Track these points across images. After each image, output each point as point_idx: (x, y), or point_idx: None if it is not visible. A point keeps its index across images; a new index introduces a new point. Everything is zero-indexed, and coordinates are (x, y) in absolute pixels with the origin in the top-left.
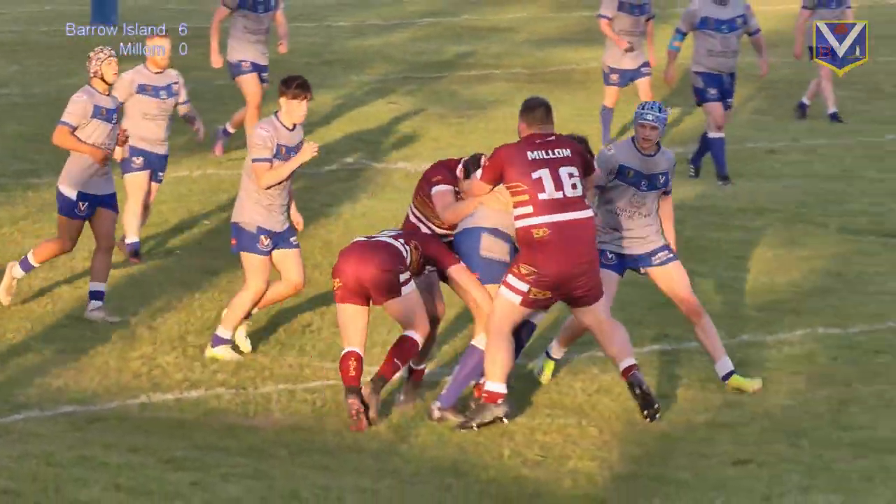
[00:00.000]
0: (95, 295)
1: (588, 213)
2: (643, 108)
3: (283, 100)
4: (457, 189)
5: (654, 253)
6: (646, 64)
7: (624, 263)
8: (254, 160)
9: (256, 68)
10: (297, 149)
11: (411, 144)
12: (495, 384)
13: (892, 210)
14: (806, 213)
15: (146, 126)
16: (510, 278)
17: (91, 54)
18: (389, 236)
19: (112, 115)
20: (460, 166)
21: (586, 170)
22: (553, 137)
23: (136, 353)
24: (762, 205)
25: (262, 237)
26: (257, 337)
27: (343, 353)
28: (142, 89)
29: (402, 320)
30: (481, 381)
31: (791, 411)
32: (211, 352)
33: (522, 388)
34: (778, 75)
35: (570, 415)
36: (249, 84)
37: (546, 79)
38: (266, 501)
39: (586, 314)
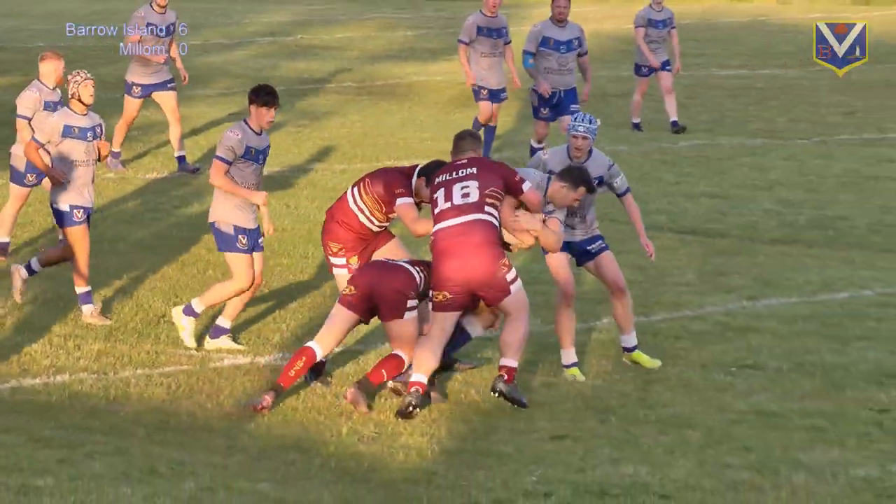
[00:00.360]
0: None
1: (479, 216)
2: (575, 121)
3: (252, 107)
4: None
5: (592, 241)
6: (503, 89)
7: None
8: (216, 157)
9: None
10: (264, 151)
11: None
12: (420, 376)
13: (687, 210)
14: (612, 214)
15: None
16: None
17: (69, 76)
18: (407, 262)
19: (85, 133)
20: (416, 175)
21: (507, 184)
22: (464, 160)
23: (8, 342)
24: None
25: (241, 236)
26: (117, 326)
27: (304, 345)
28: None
29: (396, 339)
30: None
31: (601, 391)
32: (212, 343)
33: (354, 372)
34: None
35: (400, 396)
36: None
37: (373, 91)
38: (126, 475)
39: (502, 310)
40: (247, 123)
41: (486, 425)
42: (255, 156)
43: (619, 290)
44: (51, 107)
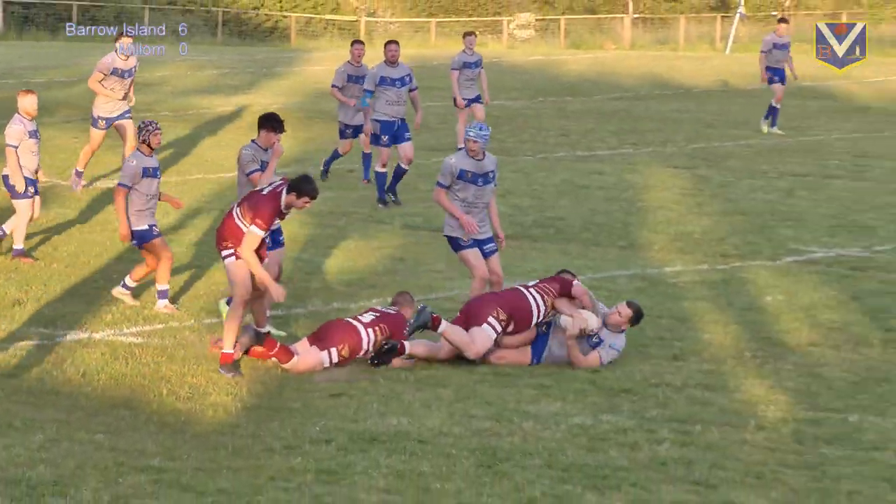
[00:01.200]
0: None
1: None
2: (470, 129)
3: (262, 130)
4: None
5: (488, 241)
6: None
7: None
8: (249, 173)
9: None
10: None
11: (90, 168)
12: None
13: (439, 212)
14: (377, 215)
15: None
16: None
17: (140, 124)
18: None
19: (156, 171)
20: (286, 192)
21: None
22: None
23: None
24: (346, 209)
25: None
26: None
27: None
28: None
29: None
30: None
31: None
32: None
33: (173, 344)
34: None
35: (210, 363)
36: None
37: (186, 119)
38: None
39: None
40: (256, 143)
41: (278, 385)
42: (263, 166)
43: (499, 283)
44: (34, 135)
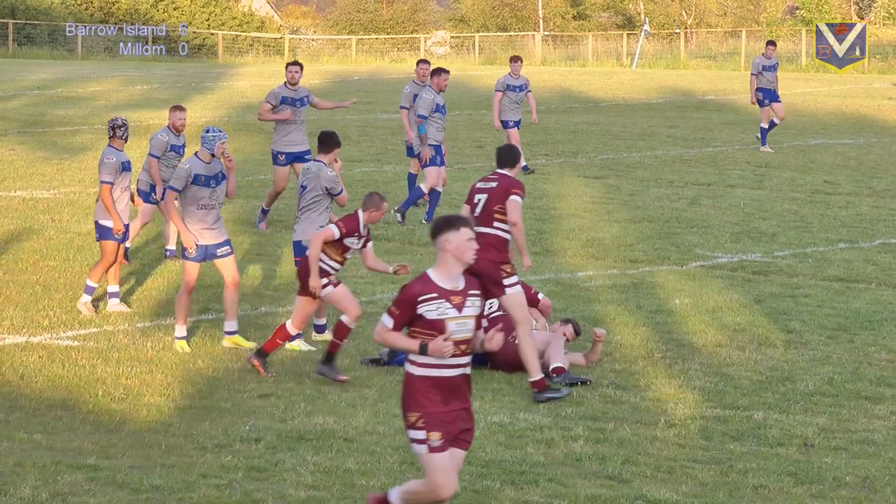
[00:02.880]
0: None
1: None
2: (207, 132)
3: (336, 149)
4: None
5: (221, 245)
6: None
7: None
8: (339, 193)
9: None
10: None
11: (26, 178)
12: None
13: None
14: None
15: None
16: None
17: (112, 122)
18: None
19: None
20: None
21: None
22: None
23: None
24: (272, 217)
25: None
26: None
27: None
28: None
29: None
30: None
31: (296, 359)
32: (292, 345)
33: (108, 347)
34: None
35: (143, 365)
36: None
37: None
38: None
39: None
40: (323, 163)
41: (209, 386)
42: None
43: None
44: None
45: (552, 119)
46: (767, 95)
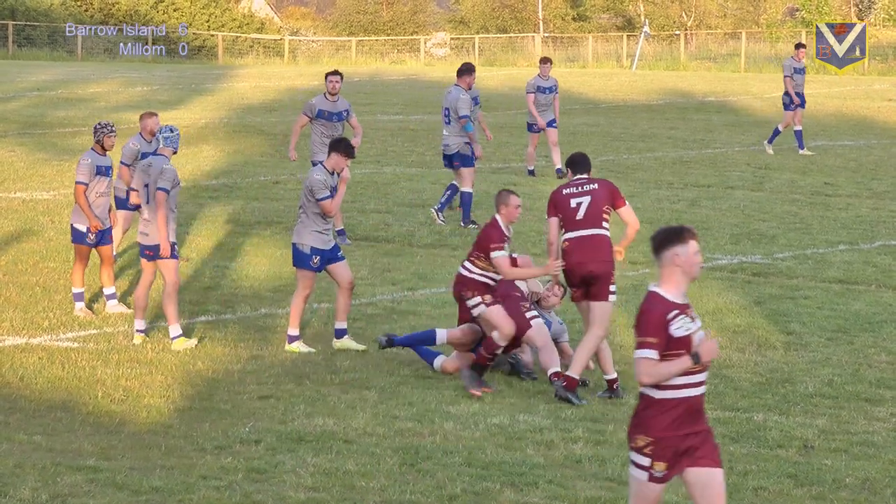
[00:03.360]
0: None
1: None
2: (172, 132)
3: (334, 153)
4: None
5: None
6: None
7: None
8: (320, 199)
9: None
10: (336, 187)
11: (26, 180)
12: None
13: (360, 221)
14: None
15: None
16: None
17: (96, 126)
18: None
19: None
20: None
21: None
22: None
23: None
24: (273, 219)
25: (315, 257)
26: None
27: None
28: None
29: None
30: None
31: (296, 361)
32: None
33: (108, 349)
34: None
35: (143, 367)
36: None
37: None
38: None
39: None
40: (325, 167)
41: (209, 388)
42: (333, 192)
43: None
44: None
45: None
46: (798, 97)
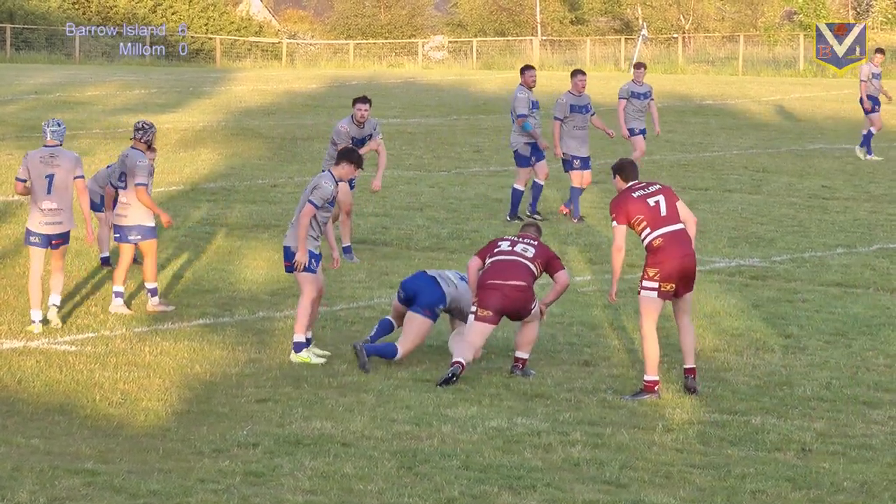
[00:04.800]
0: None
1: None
2: (47, 126)
3: (344, 163)
4: None
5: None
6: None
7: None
8: (310, 201)
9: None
10: (333, 201)
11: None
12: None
13: (359, 225)
14: None
15: None
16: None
17: (139, 125)
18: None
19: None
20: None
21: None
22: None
23: None
24: (270, 222)
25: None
26: None
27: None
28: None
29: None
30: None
31: (294, 365)
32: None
33: (105, 352)
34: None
35: (141, 370)
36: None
37: (116, 136)
38: None
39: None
40: (331, 172)
41: (207, 391)
42: (332, 202)
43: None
44: None
45: (550, 124)
46: (875, 103)
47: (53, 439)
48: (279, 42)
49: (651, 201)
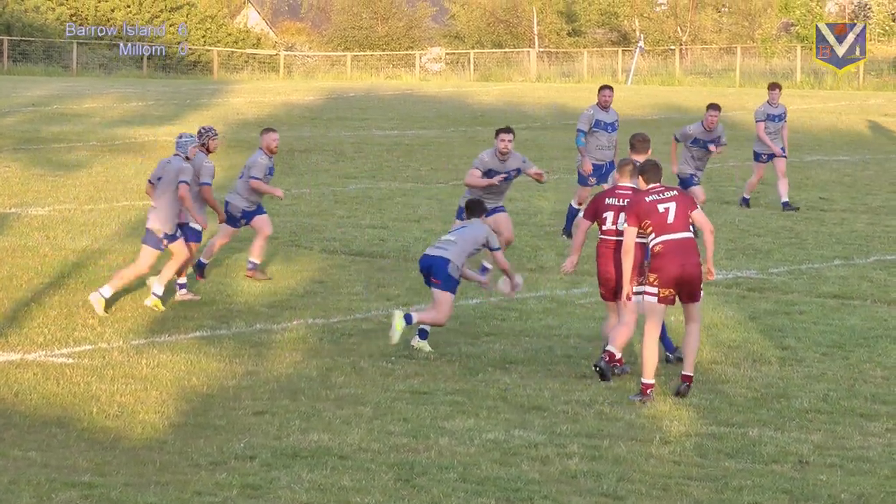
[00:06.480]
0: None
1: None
2: (181, 138)
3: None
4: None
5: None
6: None
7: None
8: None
9: None
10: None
11: (21, 195)
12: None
13: (356, 237)
14: (297, 240)
15: None
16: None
17: (201, 130)
18: None
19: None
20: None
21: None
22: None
23: None
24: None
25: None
26: None
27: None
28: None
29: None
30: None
31: (291, 377)
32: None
33: (103, 364)
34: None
35: (138, 382)
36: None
37: (113, 148)
38: None
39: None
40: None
41: (204, 404)
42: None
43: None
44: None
45: (547, 136)
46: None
47: (50, 452)
48: (277, 54)
49: (661, 207)
